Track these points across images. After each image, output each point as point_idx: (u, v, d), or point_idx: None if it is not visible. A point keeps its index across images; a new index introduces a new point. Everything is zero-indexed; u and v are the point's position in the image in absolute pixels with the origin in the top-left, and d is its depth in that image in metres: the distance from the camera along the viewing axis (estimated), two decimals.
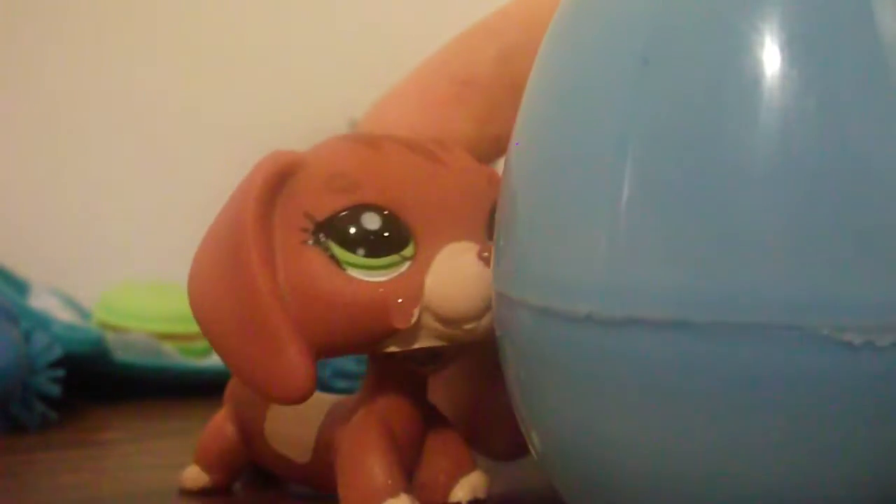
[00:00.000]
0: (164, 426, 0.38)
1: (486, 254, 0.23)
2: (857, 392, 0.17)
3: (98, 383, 0.41)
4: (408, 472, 0.25)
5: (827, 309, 0.17)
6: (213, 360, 0.44)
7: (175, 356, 0.43)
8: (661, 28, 0.18)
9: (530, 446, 0.22)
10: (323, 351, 0.23)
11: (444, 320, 0.23)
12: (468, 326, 0.24)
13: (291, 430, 0.27)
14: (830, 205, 0.17)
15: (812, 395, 0.17)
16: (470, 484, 0.25)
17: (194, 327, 0.43)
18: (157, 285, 0.48)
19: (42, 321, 0.39)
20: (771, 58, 0.17)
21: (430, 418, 0.26)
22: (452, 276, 0.23)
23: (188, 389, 0.42)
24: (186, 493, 0.29)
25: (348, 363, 0.39)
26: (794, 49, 0.17)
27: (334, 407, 0.26)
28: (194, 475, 0.29)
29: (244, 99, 0.58)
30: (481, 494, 0.26)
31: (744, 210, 0.17)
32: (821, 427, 0.17)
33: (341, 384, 0.38)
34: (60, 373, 0.37)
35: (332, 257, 0.23)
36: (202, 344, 0.45)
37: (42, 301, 0.46)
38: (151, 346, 0.42)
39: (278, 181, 0.23)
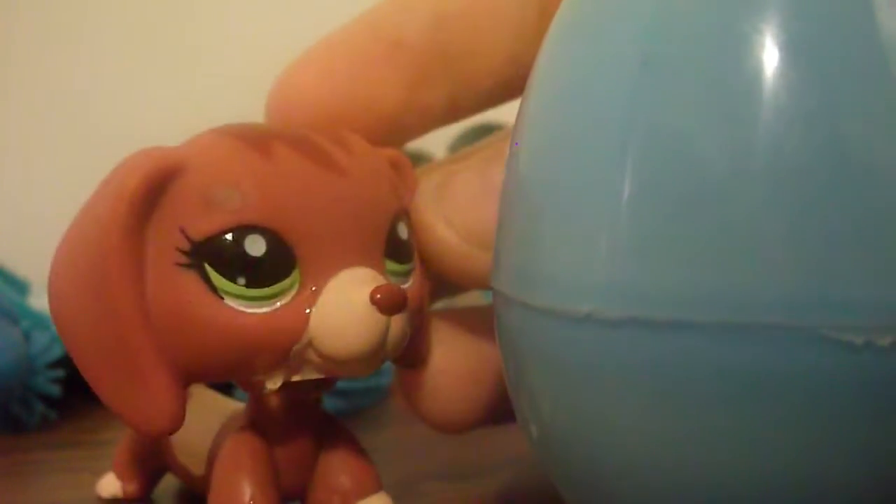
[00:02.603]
0: None
1: (378, 296, 0.21)
2: (857, 392, 0.17)
3: None
4: (293, 492, 0.24)
5: (827, 309, 0.17)
6: None
7: None
8: (661, 29, 0.18)
9: (529, 445, 0.22)
10: (193, 378, 0.21)
11: (329, 359, 0.21)
12: (356, 366, 0.22)
13: (192, 439, 0.25)
14: (831, 205, 0.17)
15: (812, 396, 0.17)
16: None
17: None
18: None
19: (42, 321, 0.39)
20: (771, 58, 0.17)
21: (329, 435, 0.25)
22: (340, 313, 0.21)
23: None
24: (104, 501, 0.29)
25: None
26: (795, 50, 0.17)
27: (229, 419, 0.25)
28: (109, 482, 0.29)
29: (243, 101, 0.58)
30: None
31: (744, 210, 0.17)
32: (821, 427, 0.17)
33: (342, 384, 0.38)
34: (60, 373, 0.37)
35: (209, 283, 0.20)
36: None
37: (42, 301, 0.46)
38: None
39: (156, 187, 0.20)
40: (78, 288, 0.20)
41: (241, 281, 0.20)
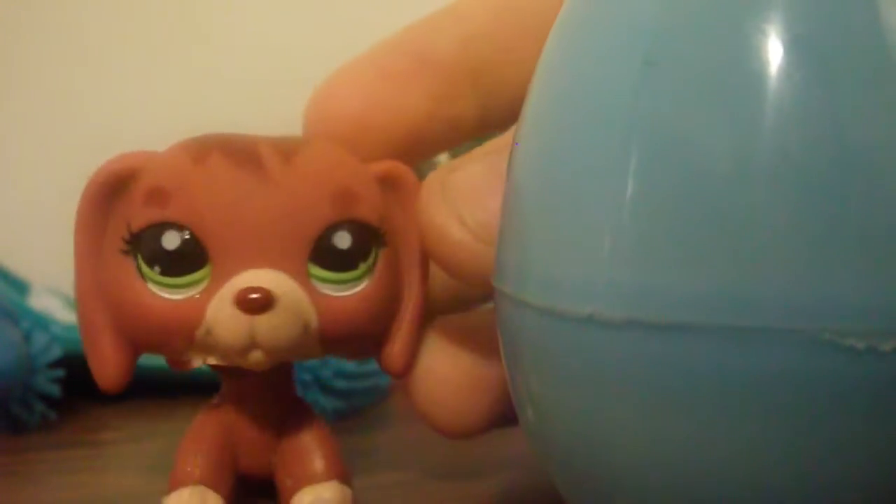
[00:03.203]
0: (164, 426, 0.38)
1: (237, 295, 0.23)
2: (859, 397, 0.17)
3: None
4: (256, 472, 0.26)
5: (829, 313, 0.17)
6: None
7: None
8: (664, 29, 0.18)
9: (530, 445, 0.22)
10: (137, 349, 0.25)
11: (214, 350, 0.24)
12: (236, 358, 0.24)
13: None
14: (833, 208, 0.17)
15: (814, 400, 0.17)
16: (315, 493, 0.25)
17: None
18: None
19: (42, 321, 0.39)
20: (774, 59, 0.17)
21: (295, 420, 0.27)
22: (218, 307, 0.24)
23: (188, 389, 0.42)
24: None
25: (348, 364, 0.38)
26: (798, 50, 0.17)
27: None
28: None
29: (243, 101, 0.57)
30: None
31: (746, 212, 0.17)
32: (822, 431, 0.17)
33: (342, 384, 0.38)
34: (60, 373, 0.37)
35: (139, 269, 0.24)
36: None
37: (42, 301, 0.46)
38: None
39: (115, 185, 0.25)
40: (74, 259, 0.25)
41: (157, 269, 0.24)
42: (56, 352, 0.37)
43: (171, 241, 0.24)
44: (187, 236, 0.24)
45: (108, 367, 0.25)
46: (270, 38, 0.59)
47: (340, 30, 0.61)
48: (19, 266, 0.51)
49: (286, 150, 0.25)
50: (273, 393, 0.27)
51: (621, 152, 0.18)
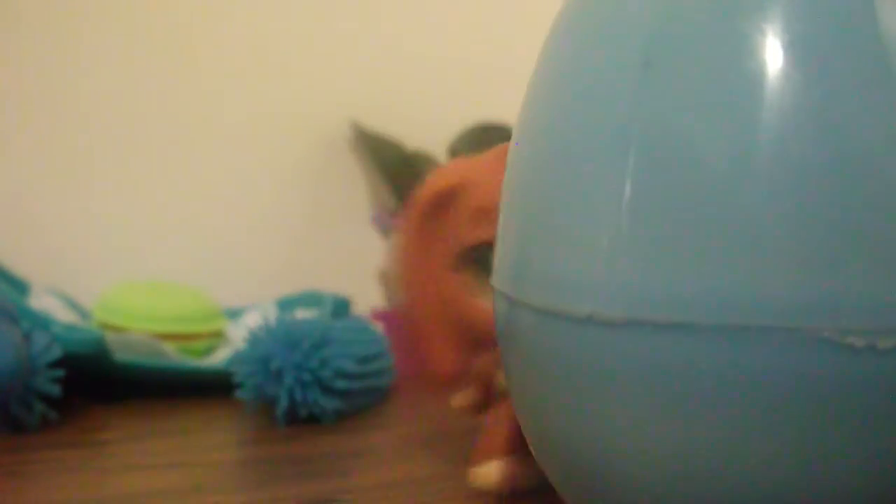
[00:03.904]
0: (164, 426, 0.38)
1: None
2: (858, 394, 0.17)
3: (98, 383, 0.41)
4: None
5: (829, 312, 0.17)
6: (213, 360, 0.44)
7: (175, 356, 0.43)
8: (663, 30, 0.18)
9: (530, 445, 0.22)
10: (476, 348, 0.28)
11: None
12: None
13: None
14: (832, 208, 0.17)
15: (813, 397, 0.17)
16: None
17: (194, 327, 0.43)
18: (157, 285, 0.48)
19: (42, 321, 0.39)
20: (773, 59, 0.17)
21: None
22: None
23: (188, 389, 0.42)
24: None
25: (347, 363, 0.39)
26: (796, 51, 0.17)
27: None
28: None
29: (243, 101, 0.57)
30: None
31: (745, 213, 0.17)
32: (822, 428, 0.17)
33: (342, 384, 0.38)
34: (60, 373, 0.37)
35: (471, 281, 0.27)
36: (202, 344, 0.45)
37: (42, 301, 0.46)
38: (151, 346, 0.42)
39: (443, 200, 0.27)
40: None
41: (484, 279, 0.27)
42: (56, 352, 0.37)
43: None
44: None
45: (441, 360, 0.27)
46: (271, 38, 0.59)
47: (341, 30, 0.61)
48: (19, 266, 0.51)
49: None
50: None
51: (620, 153, 0.18)
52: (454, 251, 0.26)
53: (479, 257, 0.26)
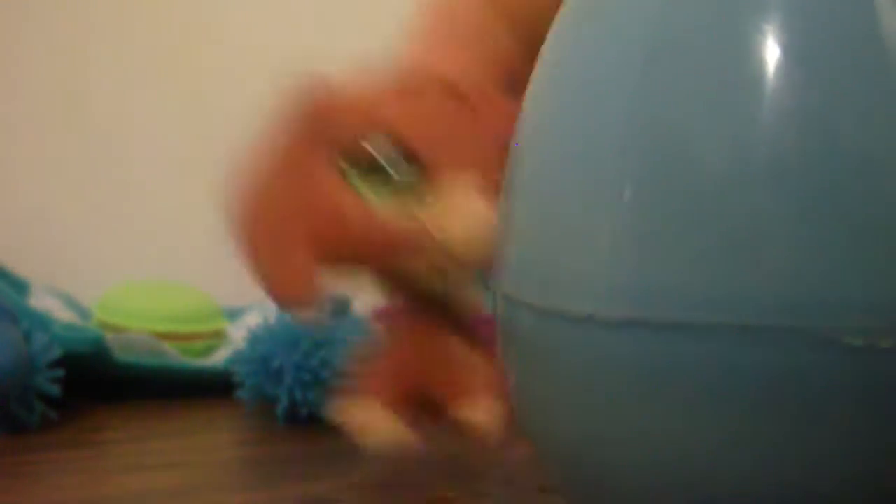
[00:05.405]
0: (164, 426, 0.38)
1: None
2: (857, 393, 0.17)
3: (98, 383, 0.41)
4: None
5: (828, 311, 0.17)
6: (213, 360, 0.44)
7: (175, 356, 0.43)
8: (664, 30, 0.18)
9: (529, 443, 0.22)
10: None
11: None
12: None
13: None
14: (832, 207, 0.17)
15: (813, 397, 0.17)
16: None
17: (194, 327, 0.43)
18: (157, 285, 0.48)
19: (42, 321, 0.39)
20: (773, 59, 0.17)
21: None
22: None
23: (188, 389, 0.42)
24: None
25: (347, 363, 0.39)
26: (797, 49, 0.17)
27: None
28: None
29: (243, 101, 0.57)
30: None
31: (745, 213, 0.17)
32: (821, 428, 0.17)
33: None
34: (60, 373, 0.37)
35: None
36: (202, 344, 0.45)
37: (42, 301, 0.46)
38: (151, 346, 0.42)
39: None
40: None
41: None
42: (56, 352, 0.37)
43: None
44: None
45: (289, 273, 0.26)
46: (274, 38, 0.59)
47: (341, 31, 0.61)
48: (19, 266, 0.51)
49: None
50: None
51: (621, 153, 0.18)
52: (337, 157, 0.25)
53: (370, 169, 0.25)
